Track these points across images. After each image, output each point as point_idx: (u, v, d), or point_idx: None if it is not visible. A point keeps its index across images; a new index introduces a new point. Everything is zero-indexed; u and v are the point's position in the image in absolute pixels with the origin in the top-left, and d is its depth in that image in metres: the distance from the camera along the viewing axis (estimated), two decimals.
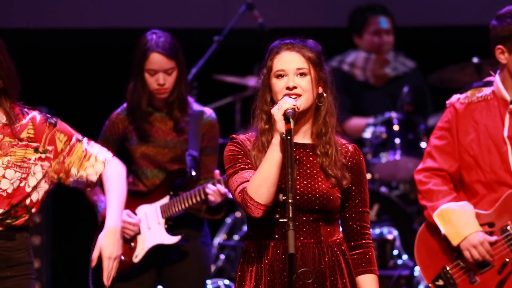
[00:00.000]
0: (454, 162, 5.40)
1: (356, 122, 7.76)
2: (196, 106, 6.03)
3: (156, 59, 5.86)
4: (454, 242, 5.26)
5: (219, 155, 5.85)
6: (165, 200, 5.89)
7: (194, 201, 5.80)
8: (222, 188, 5.73)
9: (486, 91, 5.39)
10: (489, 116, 5.37)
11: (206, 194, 5.76)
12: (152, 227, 5.89)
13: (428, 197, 5.39)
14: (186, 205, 5.83)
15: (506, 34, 5.23)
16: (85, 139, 4.98)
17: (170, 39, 5.93)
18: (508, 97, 5.29)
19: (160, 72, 5.85)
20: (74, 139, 4.95)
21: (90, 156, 4.98)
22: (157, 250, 5.87)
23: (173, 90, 5.90)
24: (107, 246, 4.91)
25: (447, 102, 5.46)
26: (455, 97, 5.44)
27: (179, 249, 5.91)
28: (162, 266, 5.95)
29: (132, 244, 5.87)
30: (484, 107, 5.38)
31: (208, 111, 6.04)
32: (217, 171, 5.90)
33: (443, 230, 5.30)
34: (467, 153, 5.37)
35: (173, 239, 5.85)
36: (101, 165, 5.00)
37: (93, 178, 4.98)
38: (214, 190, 5.71)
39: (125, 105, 5.99)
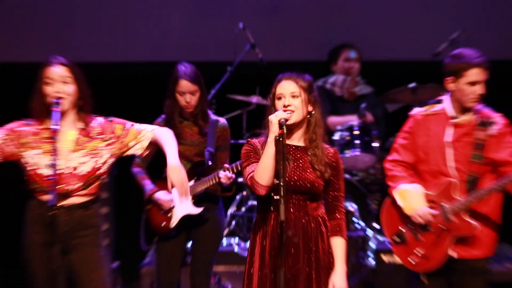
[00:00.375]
0: (412, 156, 5.35)
1: (332, 120, 7.74)
2: (213, 117, 5.97)
3: (184, 84, 5.83)
4: (407, 212, 5.26)
5: (230, 151, 6.05)
6: (191, 182, 5.80)
7: (211, 183, 5.78)
8: (229, 174, 5.73)
9: (438, 107, 5.32)
10: (438, 126, 5.30)
11: (219, 178, 5.73)
12: (183, 202, 5.80)
13: (392, 179, 5.36)
14: (206, 186, 5.81)
15: (454, 69, 5.17)
16: (136, 124, 5.04)
17: (194, 69, 5.88)
18: (451, 114, 5.25)
19: (187, 93, 5.83)
20: (128, 125, 5.02)
21: (141, 131, 5.01)
22: (186, 218, 5.84)
23: (197, 105, 5.86)
24: (176, 176, 4.87)
25: (410, 113, 5.42)
26: (416, 110, 5.41)
27: (202, 217, 5.86)
28: (190, 229, 5.89)
29: (169, 214, 5.84)
30: (435, 119, 5.31)
31: (222, 120, 6.00)
32: (226, 165, 5.80)
33: (400, 204, 5.28)
34: (420, 151, 5.32)
35: (197, 210, 5.83)
36: (150, 133, 5.01)
37: (146, 143, 5.02)
38: (224, 175, 5.69)
39: (163, 116, 5.96)
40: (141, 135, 5.04)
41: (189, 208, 5.84)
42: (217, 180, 5.78)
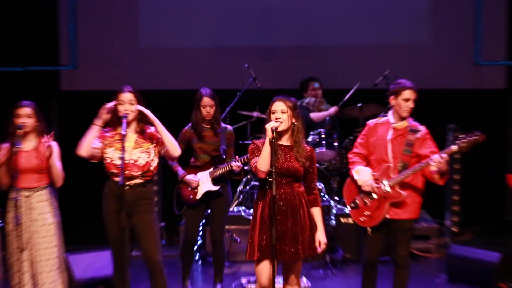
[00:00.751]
0: (366, 150, 5.37)
1: (314, 115, 7.70)
2: (223, 125, 5.95)
3: (206, 100, 5.79)
4: (360, 183, 5.30)
5: (239, 148, 6.09)
6: (211, 169, 5.85)
7: (224, 170, 5.80)
8: (239, 163, 5.77)
9: (384, 119, 5.37)
10: (383, 130, 5.32)
11: (231, 166, 5.76)
12: (205, 182, 5.83)
13: (352, 164, 5.38)
14: (221, 172, 5.81)
15: (395, 91, 5.26)
16: None
17: (212, 91, 5.85)
18: (392, 121, 5.30)
19: (207, 106, 5.79)
20: None
21: None
22: (207, 193, 5.84)
23: (213, 115, 5.83)
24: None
25: (367, 123, 5.47)
26: (370, 121, 5.45)
27: (218, 193, 5.86)
28: (209, 200, 5.88)
29: (196, 190, 5.84)
30: (382, 126, 5.34)
31: (229, 127, 5.99)
32: (237, 157, 5.85)
33: (356, 177, 5.32)
34: (371, 147, 5.34)
35: (215, 188, 5.83)
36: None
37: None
38: (235, 165, 5.72)
39: (190, 124, 5.89)
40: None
41: (210, 186, 5.83)
42: (229, 168, 5.78)
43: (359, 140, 5.47)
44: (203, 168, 5.88)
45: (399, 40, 8.49)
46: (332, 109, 7.73)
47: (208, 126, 5.88)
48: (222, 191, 5.87)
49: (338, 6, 8.53)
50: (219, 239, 5.91)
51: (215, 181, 5.86)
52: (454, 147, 5.06)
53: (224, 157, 5.86)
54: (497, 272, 5.86)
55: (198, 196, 5.83)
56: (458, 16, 8.49)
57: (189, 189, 5.83)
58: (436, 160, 5.04)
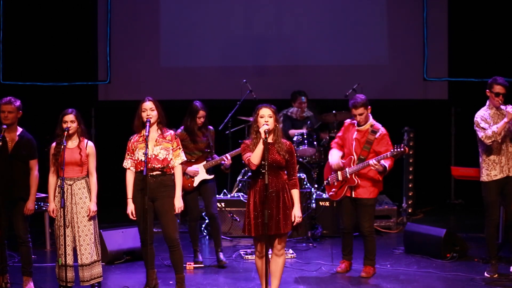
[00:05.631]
0: (342, 141, 5.48)
1: (291, 131, 7.58)
2: (209, 127, 5.85)
3: (201, 113, 5.70)
4: (331, 163, 5.48)
5: (216, 144, 5.97)
6: (204, 162, 5.77)
7: (218, 162, 5.75)
8: (229, 157, 5.73)
9: (354, 121, 5.43)
10: (352, 130, 5.41)
11: (225, 160, 5.69)
12: (200, 172, 5.75)
13: (331, 148, 5.54)
14: (211, 165, 5.77)
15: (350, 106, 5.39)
16: (182, 151, 4.92)
17: (203, 103, 5.74)
18: (356, 125, 5.39)
19: (201, 117, 5.69)
20: (179, 149, 4.91)
21: (178, 157, 4.89)
22: (202, 181, 5.77)
23: (204, 122, 5.73)
24: None
25: (345, 121, 5.55)
26: (346, 120, 5.55)
27: (208, 180, 5.78)
28: (200, 187, 5.78)
29: (193, 179, 5.75)
30: (352, 126, 5.43)
31: (211, 128, 5.88)
32: (227, 155, 5.76)
33: (329, 157, 5.51)
34: (344, 140, 5.45)
35: (210, 177, 5.79)
36: (179, 160, 4.88)
37: (179, 161, 4.89)
38: (226, 158, 5.71)
39: (182, 127, 5.72)
40: (178, 157, 4.90)
41: (204, 176, 5.78)
42: (218, 163, 5.74)
43: (338, 134, 5.62)
44: (196, 162, 5.79)
45: (365, 61, 8.59)
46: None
47: (200, 130, 5.81)
48: (213, 178, 5.83)
49: (317, 36, 8.56)
50: (213, 214, 5.84)
51: (208, 171, 5.81)
52: (388, 154, 5.24)
53: (210, 151, 5.85)
54: (443, 244, 5.83)
55: (195, 184, 5.76)
56: (410, 43, 8.61)
57: (187, 178, 5.69)
58: (372, 163, 5.22)
